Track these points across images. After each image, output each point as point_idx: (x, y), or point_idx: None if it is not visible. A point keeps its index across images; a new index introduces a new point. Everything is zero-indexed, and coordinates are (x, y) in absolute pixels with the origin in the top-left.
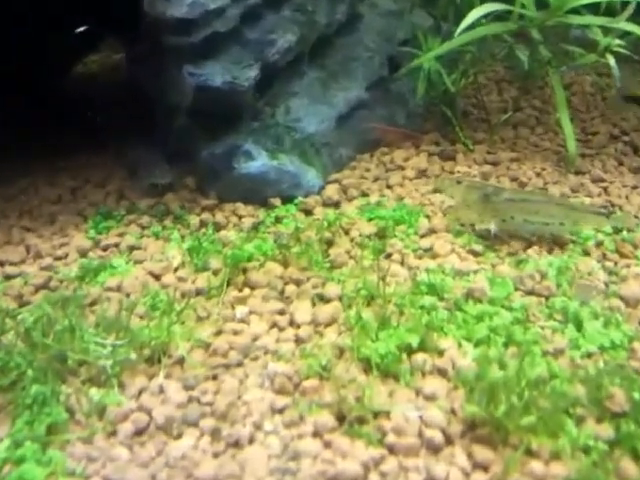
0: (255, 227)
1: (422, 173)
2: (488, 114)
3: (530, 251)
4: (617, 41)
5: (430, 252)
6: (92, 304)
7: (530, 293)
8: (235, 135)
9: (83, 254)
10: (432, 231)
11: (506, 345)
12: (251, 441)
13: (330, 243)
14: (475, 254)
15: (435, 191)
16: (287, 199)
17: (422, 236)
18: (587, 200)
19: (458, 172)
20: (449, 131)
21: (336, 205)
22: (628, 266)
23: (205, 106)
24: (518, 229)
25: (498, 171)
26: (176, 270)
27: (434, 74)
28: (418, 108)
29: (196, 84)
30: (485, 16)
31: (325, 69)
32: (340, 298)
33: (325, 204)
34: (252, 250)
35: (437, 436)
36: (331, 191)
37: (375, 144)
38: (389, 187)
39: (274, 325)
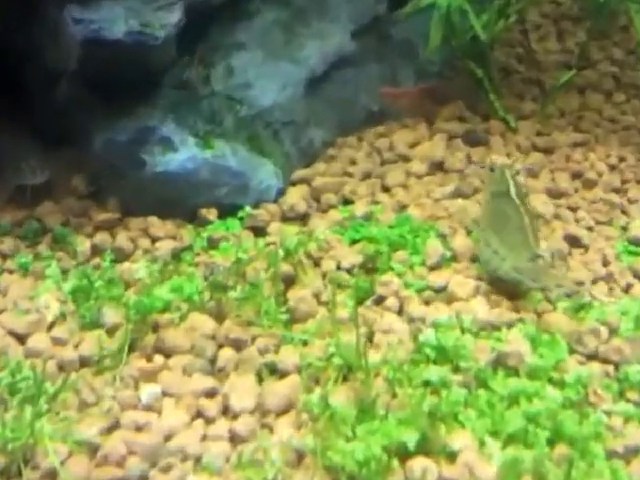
0: (176, 256)
1: (437, 166)
2: (540, 72)
3: (597, 288)
4: None
5: (443, 294)
6: None
7: (592, 358)
8: (146, 112)
9: None
10: (448, 260)
11: (552, 443)
12: None
13: (290, 281)
14: (512, 296)
15: (456, 195)
16: (227, 211)
17: (432, 268)
18: None
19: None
20: (479, 100)
21: (302, 219)
22: None
23: (99, 69)
24: None
25: (553, 162)
26: (51, 327)
27: (456, 13)
28: (432, 65)
29: (85, 36)
30: None
31: (289, 6)
32: (300, 370)
33: (286, 218)
34: (169, 295)
35: None
36: (295, 197)
37: (369, 119)
38: (385, 189)
39: (199, 414)
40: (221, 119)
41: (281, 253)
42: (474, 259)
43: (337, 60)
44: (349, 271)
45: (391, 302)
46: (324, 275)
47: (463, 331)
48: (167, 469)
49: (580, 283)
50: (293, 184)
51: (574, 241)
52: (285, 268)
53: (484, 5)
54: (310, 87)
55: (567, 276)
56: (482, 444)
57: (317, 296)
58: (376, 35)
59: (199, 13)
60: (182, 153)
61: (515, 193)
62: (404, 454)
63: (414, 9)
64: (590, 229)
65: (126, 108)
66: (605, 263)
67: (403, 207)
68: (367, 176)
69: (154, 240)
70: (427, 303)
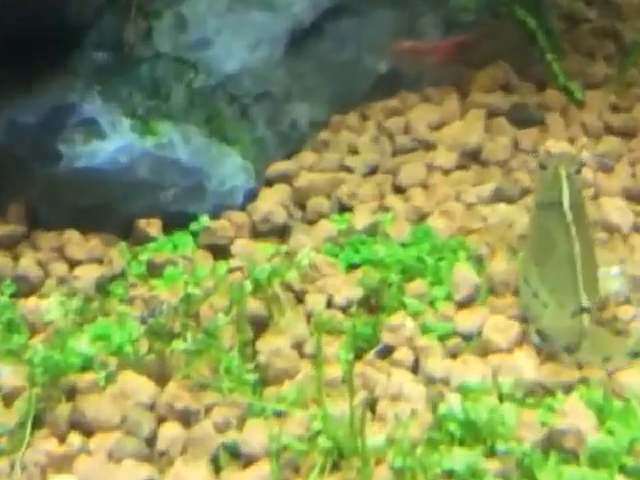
0: (103, 288)
1: (471, 157)
2: (619, 20)
3: None
4: None
5: (476, 342)
6: None
7: None
8: (62, 84)
9: None
10: (484, 293)
11: None
12: None
13: (261, 325)
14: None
15: (498, 198)
16: (175, 222)
17: (461, 305)
18: None
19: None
20: (532, 61)
21: (281, 234)
22: None
23: None
24: None
25: (634, 151)
26: None
27: None
28: (466, 11)
29: None
30: None
31: None
32: (273, 455)
33: (257, 232)
34: (91, 347)
35: None
36: (271, 202)
37: (376, 88)
38: (398, 190)
39: None
40: (168, 92)
41: (249, 285)
42: (517, 292)
43: (332, 6)
44: (344, 310)
45: (402, 354)
46: (309, 316)
47: (502, 398)
48: None
49: None
50: (269, 183)
51: None
52: (254, 306)
53: None
54: (294, 45)
55: (625, 340)
56: None
57: (298, 346)
58: None
59: None
60: (112, 141)
61: (569, 205)
62: None
63: None
64: None
65: (34, 78)
66: None
67: (422, 216)
68: (373, 171)
69: (72, 264)
70: (453, 356)
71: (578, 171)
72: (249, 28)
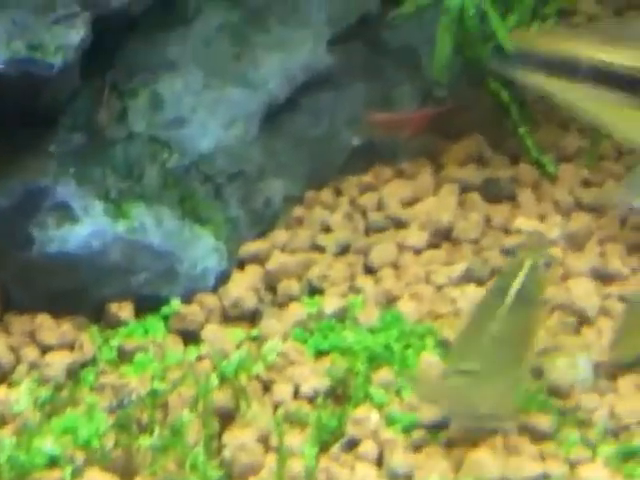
0: (74, 374)
1: (442, 235)
2: None
3: None
4: None
5: (443, 434)
6: None
7: None
8: (35, 166)
9: None
10: None
11: None
12: None
13: (228, 418)
14: (537, 437)
15: (468, 279)
16: (147, 306)
17: None
18: None
19: (518, 232)
20: (505, 134)
21: (251, 319)
22: None
23: None
24: None
25: (603, 229)
26: None
27: (472, 14)
28: (440, 87)
29: None
30: None
31: (240, 4)
32: None
33: (228, 317)
34: (54, 448)
35: None
36: (242, 285)
37: (352, 161)
38: (369, 271)
39: None
40: (141, 173)
41: (215, 379)
42: None
43: (308, 80)
44: (311, 400)
45: (367, 448)
46: (275, 407)
47: None
48: None
49: None
50: (241, 265)
51: None
52: (221, 398)
53: (511, 3)
54: (269, 120)
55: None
56: None
57: (264, 439)
58: (364, 43)
59: (113, 24)
60: (85, 225)
61: (516, 292)
62: None
63: (415, 7)
64: None
65: (7, 160)
66: None
67: (392, 299)
68: (345, 250)
69: (44, 350)
70: (417, 449)
71: (546, 264)
72: (224, 105)
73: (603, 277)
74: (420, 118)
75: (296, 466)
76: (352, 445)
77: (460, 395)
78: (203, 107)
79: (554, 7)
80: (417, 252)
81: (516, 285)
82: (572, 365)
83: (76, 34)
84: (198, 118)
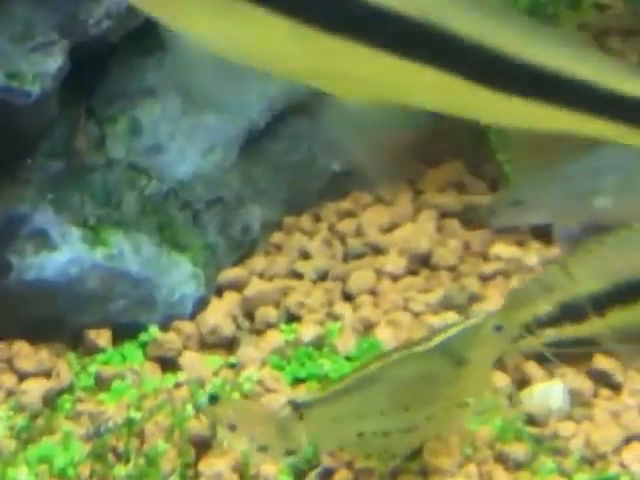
0: (51, 402)
1: (421, 262)
2: None
3: (630, 451)
4: None
5: (417, 462)
6: None
7: None
8: (13, 193)
9: None
10: None
11: None
12: None
13: (204, 447)
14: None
15: (446, 306)
16: (124, 333)
17: None
18: None
19: (497, 259)
20: (483, 161)
21: (229, 347)
22: None
23: None
24: None
25: None
26: None
27: None
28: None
29: None
30: None
31: None
32: None
33: (205, 344)
34: (31, 475)
35: None
36: (220, 312)
37: (331, 187)
38: (347, 298)
39: None
40: (119, 200)
41: (190, 410)
42: None
43: (286, 107)
44: None
45: (342, 477)
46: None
47: None
48: None
49: None
50: (219, 292)
51: (602, 378)
52: (198, 426)
53: None
54: (248, 147)
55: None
56: None
57: (240, 469)
58: None
59: (91, 52)
60: (63, 252)
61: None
62: None
63: None
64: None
65: None
66: None
67: (370, 326)
68: (323, 277)
69: (21, 377)
70: (393, 477)
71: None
72: (203, 132)
73: None
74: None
75: None
76: (327, 475)
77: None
78: (181, 134)
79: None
80: (395, 279)
81: (441, 337)
82: (547, 394)
83: (54, 62)
84: (176, 145)
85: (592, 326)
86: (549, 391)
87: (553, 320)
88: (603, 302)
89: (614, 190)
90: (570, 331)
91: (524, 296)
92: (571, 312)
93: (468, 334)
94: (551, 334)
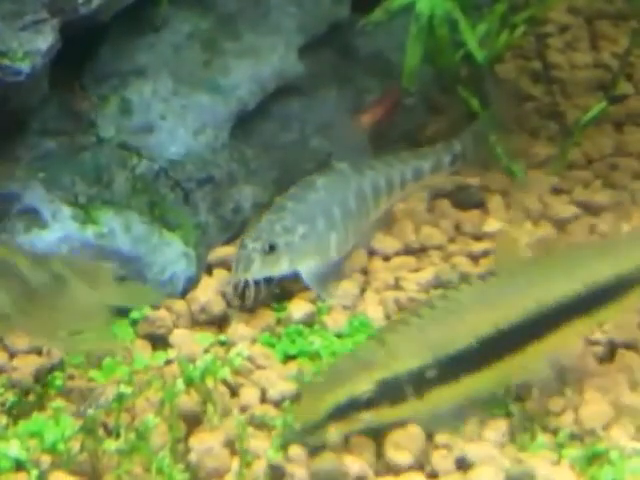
0: (42, 379)
1: (412, 241)
2: (563, 98)
3: (618, 428)
4: None
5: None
6: None
7: None
8: (4, 171)
9: None
10: None
11: None
12: None
13: (194, 422)
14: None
15: (436, 285)
16: (115, 311)
17: None
18: None
19: (486, 235)
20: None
21: (219, 324)
22: None
23: None
24: None
25: (572, 236)
26: None
27: (443, 23)
28: (410, 96)
29: None
30: None
31: (210, 12)
32: None
33: (196, 322)
34: (19, 453)
35: None
36: (211, 290)
37: (322, 168)
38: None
39: None
40: (110, 179)
41: (181, 384)
42: None
43: (278, 87)
44: (278, 404)
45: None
46: (243, 410)
47: None
48: None
49: None
50: (209, 270)
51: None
52: (188, 402)
53: (481, 11)
54: (239, 127)
55: None
56: None
57: (231, 444)
58: (334, 50)
59: (82, 31)
60: (53, 230)
61: None
62: None
63: (387, 14)
64: (612, 348)
65: None
66: (633, 386)
67: (360, 304)
68: None
69: (12, 355)
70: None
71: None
72: (194, 112)
73: None
74: (390, 99)
75: (260, 469)
76: (317, 449)
77: None
78: (172, 113)
79: (524, 16)
80: (386, 258)
81: None
82: (530, 367)
83: (44, 40)
84: (167, 124)
85: (410, 407)
86: (531, 365)
87: (371, 401)
88: (423, 380)
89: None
90: (388, 414)
91: (339, 375)
92: (390, 392)
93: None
94: (368, 417)
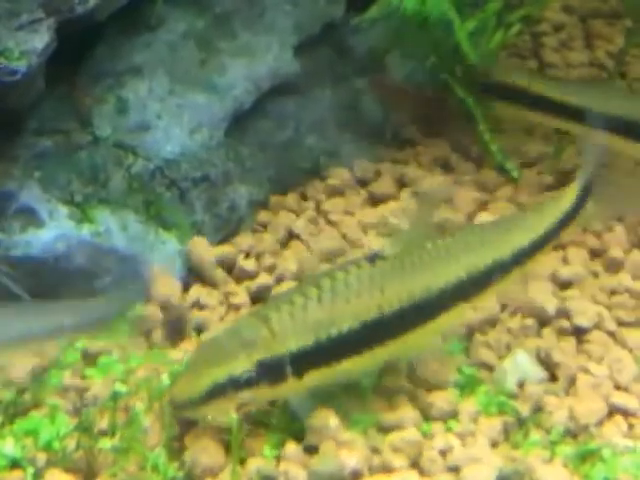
0: (39, 377)
1: None
2: None
3: (610, 425)
4: None
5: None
6: None
7: None
8: (0, 169)
9: None
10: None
11: None
12: None
13: (189, 419)
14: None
15: None
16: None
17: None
18: None
19: None
20: (470, 140)
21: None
22: None
23: None
24: None
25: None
26: None
27: (436, 19)
28: (406, 90)
29: None
30: None
31: (206, 11)
32: None
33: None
34: (14, 451)
35: None
36: (205, 289)
37: (317, 167)
38: None
39: None
40: (106, 178)
41: (166, 381)
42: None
43: (273, 86)
44: (272, 401)
45: (327, 449)
46: (240, 407)
47: None
48: None
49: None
50: None
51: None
52: None
53: (476, 9)
54: (235, 126)
55: None
56: None
57: (225, 442)
58: (329, 48)
59: (78, 30)
60: (50, 229)
61: None
62: None
63: (381, 12)
64: (611, 334)
65: None
66: (624, 387)
67: None
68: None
69: None
70: (375, 450)
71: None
72: (190, 111)
73: (562, 281)
74: (416, 96)
75: (252, 466)
76: (313, 449)
77: None
78: (168, 112)
79: (519, 14)
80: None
81: None
82: (514, 363)
83: (40, 40)
84: (163, 123)
85: (290, 387)
86: (514, 361)
87: (251, 381)
88: (303, 361)
89: None
90: (266, 393)
91: (220, 351)
92: (270, 372)
93: None
94: (247, 397)
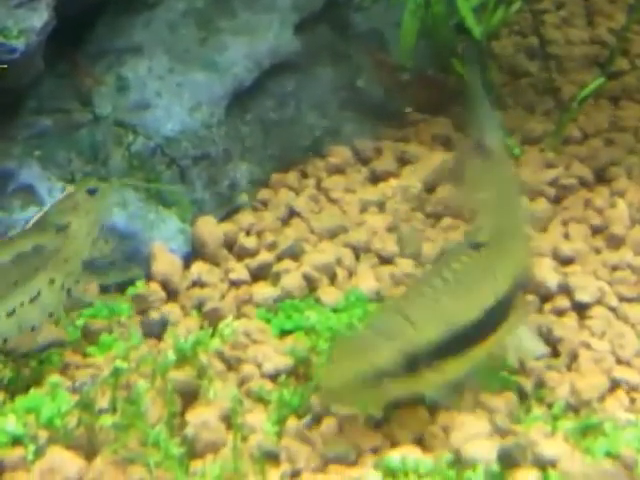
0: (39, 355)
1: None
2: (560, 74)
3: (612, 400)
4: None
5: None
6: None
7: None
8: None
9: None
10: None
11: None
12: None
13: (191, 396)
14: None
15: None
16: (111, 287)
17: None
18: None
19: None
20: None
21: None
22: None
23: None
24: None
25: (567, 210)
26: None
27: None
28: (406, 72)
29: None
30: None
31: None
32: None
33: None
34: (16, 428)
35: None
36: (206, 266)
37: (317, 145)
38: None
39: None
40: (106, 156)
41: (172, 356)
42: None
43: (274, 64)
44: (274, 378)
45: (329, 425)
46: (241, 383)
47: None
48: None
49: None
50: None
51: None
52: (184, 376)
53: None
54: (235, 104)
55: None
56: None
57: (227, 417)
58: (330, 26)
59: (77, 8)
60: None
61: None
62: None
63: None
64: (612, 309)
65: None
66: (626, 362)
67: (356, 279)
68: (310, 232)
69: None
70: (377, 425)
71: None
72: (190, 89)
73: (564, 257)
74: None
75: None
76: (315, 423)
77: None
78: (168, 91)
79: None
80: (377, 234)
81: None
82: (516, 339)
83: (39, 18)
84: (163, 102)
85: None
86: (516, 336)
87: (396, 372)
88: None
89: None
90: (409, 383)
91: (365, 344)
92: (414, 362)
93: (64, 203)
94: (392, 386)
